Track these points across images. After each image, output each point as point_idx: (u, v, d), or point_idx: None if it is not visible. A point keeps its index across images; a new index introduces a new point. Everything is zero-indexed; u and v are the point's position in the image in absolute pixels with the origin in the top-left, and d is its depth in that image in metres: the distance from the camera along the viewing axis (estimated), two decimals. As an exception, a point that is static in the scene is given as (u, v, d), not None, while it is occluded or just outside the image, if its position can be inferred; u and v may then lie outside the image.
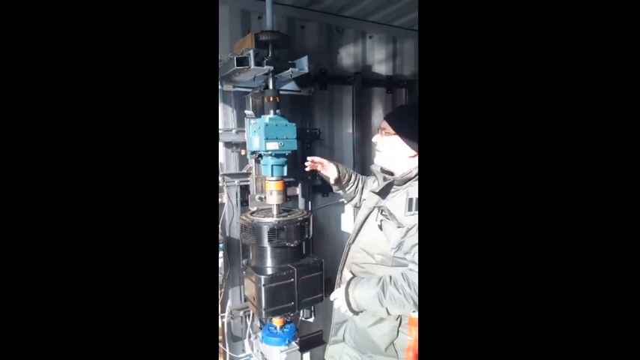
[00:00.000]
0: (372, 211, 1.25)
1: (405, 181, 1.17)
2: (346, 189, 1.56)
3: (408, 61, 2.30)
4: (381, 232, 1.17)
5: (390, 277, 1.11)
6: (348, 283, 1.21)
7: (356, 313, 1.21)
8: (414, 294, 1.04)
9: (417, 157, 1.19)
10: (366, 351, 1.29)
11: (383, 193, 1.21)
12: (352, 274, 1.28)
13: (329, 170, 1.51)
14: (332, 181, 1.53)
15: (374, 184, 1.36)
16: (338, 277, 1.40)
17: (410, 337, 1.15)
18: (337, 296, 1.25)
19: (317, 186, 2.04)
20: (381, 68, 2.22)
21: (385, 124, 1.24)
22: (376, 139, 1.28)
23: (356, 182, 1.57)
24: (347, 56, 2.09)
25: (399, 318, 1.18)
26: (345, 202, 1.70)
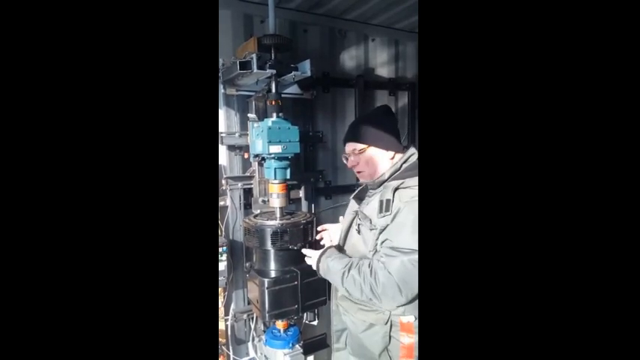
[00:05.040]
0: (354, 217, 1.26)
1: (379, 184, 1.18)
2: None
3: (411, 64, 2.30)
4: (360, 236, 1.19)
5: (358, 262, 1.13)
6: (326, 250, 1.26)
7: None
8: (373, 281, 1.05)
9: (397, 156, 1.19)
10: (364, 358, 1.28)
11: (358, 198, 1.23)
12: (341, 247, 1.30)
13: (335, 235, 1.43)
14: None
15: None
16: None
17: (402, 341, 1.14)
18: (311, 256, 1.30)
19: (320, 188, 2.05)
20: (384, 71, 2.23)
21: (353, 145, 1.22)
22: (352, 163, 1.25)
23: None
24: (349, 59, 2.10)
25: (389, 322, 1.16)
26: None
